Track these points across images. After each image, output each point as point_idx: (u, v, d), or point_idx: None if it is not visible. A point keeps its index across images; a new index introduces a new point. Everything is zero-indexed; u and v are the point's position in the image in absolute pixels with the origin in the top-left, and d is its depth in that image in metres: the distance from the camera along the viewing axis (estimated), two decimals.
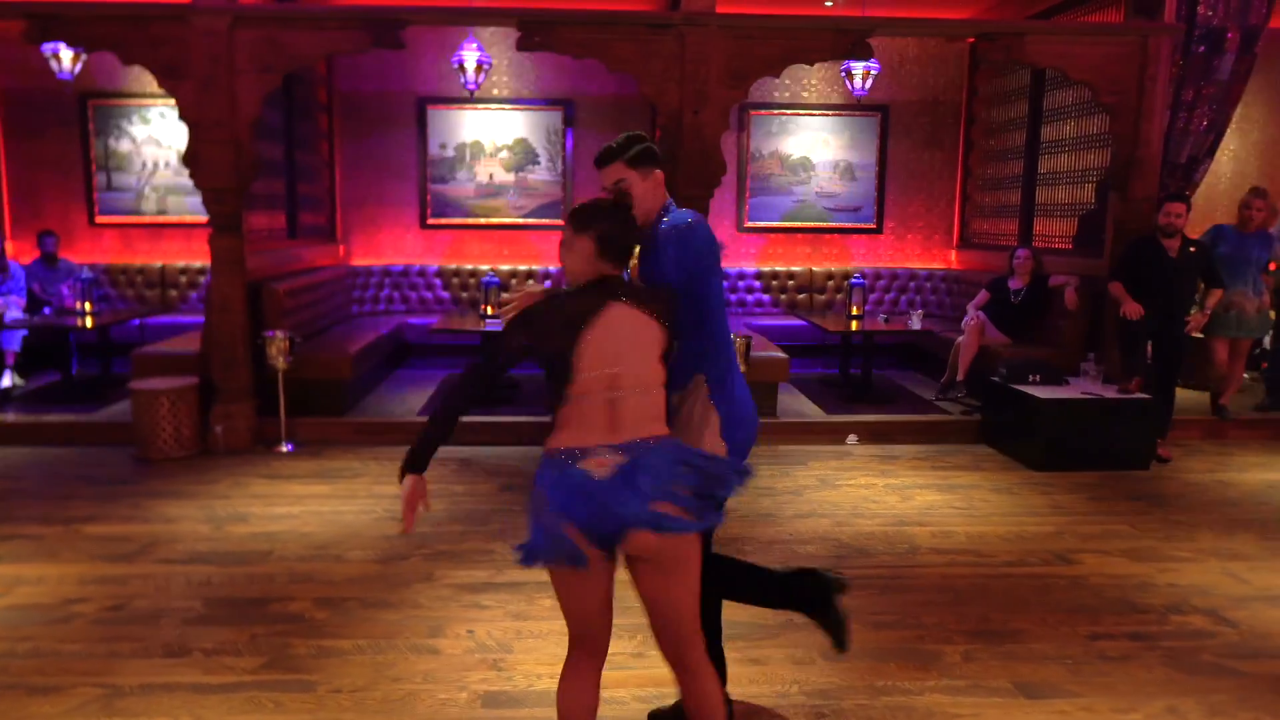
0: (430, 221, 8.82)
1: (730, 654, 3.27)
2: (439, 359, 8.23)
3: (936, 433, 6.28)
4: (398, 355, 8.16)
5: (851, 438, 6.18)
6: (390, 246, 8.85)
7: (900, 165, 8.96)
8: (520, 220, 8.85)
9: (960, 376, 6.78)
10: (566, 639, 3.36)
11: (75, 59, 7.63)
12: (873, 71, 7.80)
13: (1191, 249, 5.80)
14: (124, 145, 8.56)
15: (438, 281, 8.79)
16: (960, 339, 6.85)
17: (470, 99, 8.36)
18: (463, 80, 7.54)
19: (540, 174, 8.81)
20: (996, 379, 6.11)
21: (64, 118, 8.46)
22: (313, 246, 7.94)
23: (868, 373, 7.19)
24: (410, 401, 6.83)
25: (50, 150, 8.50)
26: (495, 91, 8.64)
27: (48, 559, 4.04)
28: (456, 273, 8.79)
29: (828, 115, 8.86)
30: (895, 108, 8.85)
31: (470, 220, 8.83)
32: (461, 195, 8.80)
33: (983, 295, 7.07)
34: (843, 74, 7.96)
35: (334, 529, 4.44)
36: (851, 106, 8.69)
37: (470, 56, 7.45)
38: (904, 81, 8.81)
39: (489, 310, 6.97)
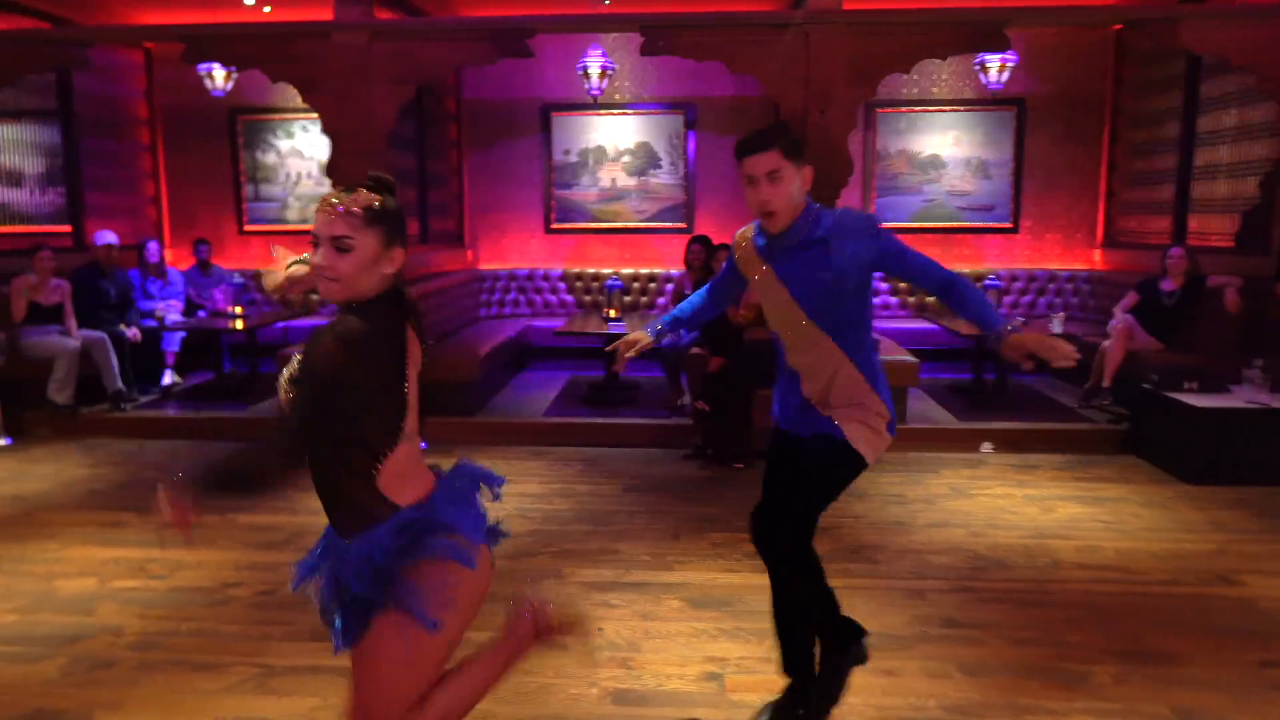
0: (554, 226, 8.98)
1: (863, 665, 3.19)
2: (562, 361, 8.36)
3: (1079, 442, 5.95)
4: (522, 357, 8.34)
5: (986, 446, 5.93)
6: (515, 251, 9.06)
7: (1038, 161, 8.55)
8: (642, 224, 8.91)
9: (1106, 383, 6.40)
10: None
11: (227, 77, 8.15)
12: (1009, 64, 7.48)
13: None
14: (270, 158, 9.07)
15: (561, 285, 8.94)
16: (1106, 343, 6.46)
17: (593, 105, 8.48)
18: (586, 86, 7.66)
19: (662, 178, 8.84)
20: (1148, 386, 5.74)
21: (216, 133, 9.03)
22: (442, 251, 8.21)
23: (1003, 378, 6.88)
24: (535, 403, 6.96)
25: (203, 164, 9.09)
26: (617, 96, 8.73)
27: (206, 545, 4.31)
28: (579, 276, 8.92)
29: (959, 111, 8.54)
30: (1032, 101, 8.45)
31: (593, 225, 8.95)
32: (584, 200, 8.93)
33: (1131, 297, 6.66)
34: (976, 67, 7.67)
35: None
36: (985, 101, 8.35)
37: (594, 63, 7.56)
38: (1042, 73, 8.40)
39: (612, 313, 7.04)
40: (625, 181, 8.88)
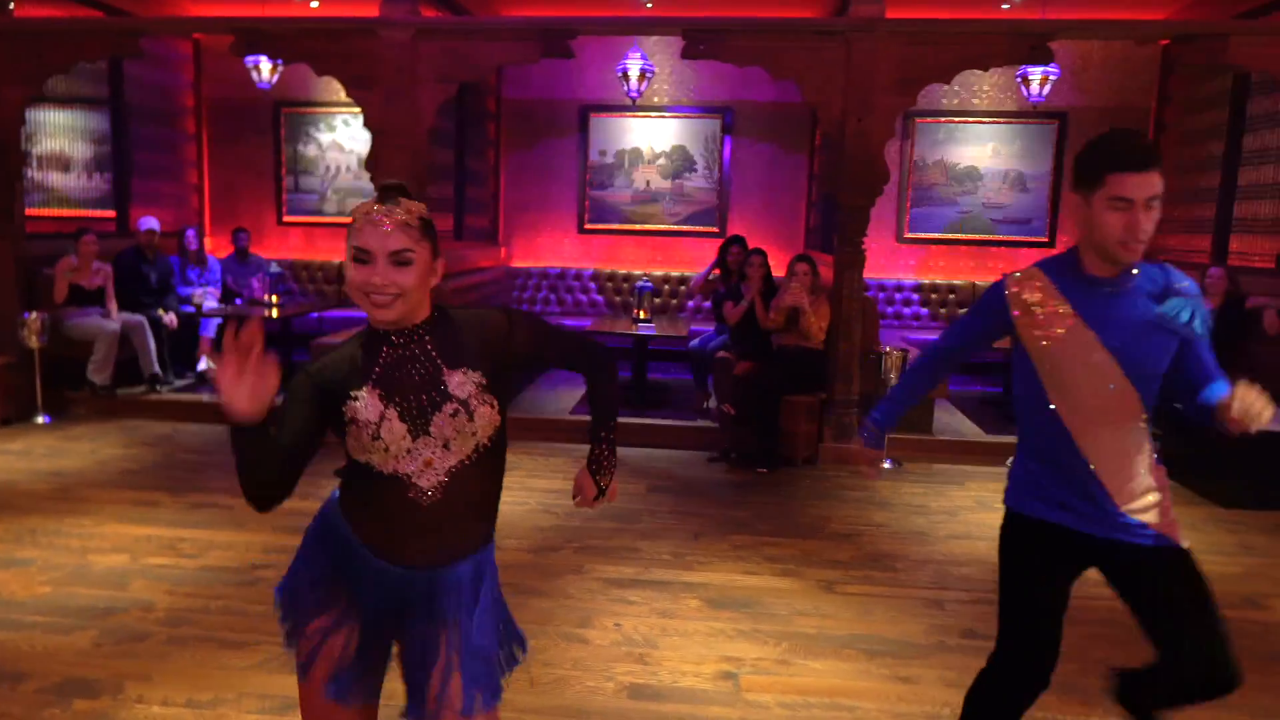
0: (587, 226, 9.04)
1: (878, 670, 3.20)
2: None
3: None
4: None
5: (1012, 460, 5.88)
6: (548, 250, 9.13)
7: None
8: (675, 227, 8.94)
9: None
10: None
11: (273, 70, 8.29)
12: (1051, 77, 7.42)
13: None
14: (310, 150, 9.21)
15: (593, 285, 8.99)
16: None
17: (632, 106, 8.52)
18: (625, 88, 7.70)
19: (697, 181, 8.86)
20: (1179, 406, 5.65)
21: (259, 125, 9.20)
22: (476, 248, 8.29)
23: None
24: (563, 400, 7.01)
25: (246, 154, 9.25)
26: (655, 99, 8.77)
27: (236, 527, 4.39)
28: (611, 277, 8.97)
29: (999, 123, 8.49)
30: (1074, 115, 8.38)
31: (626, 226, 8.99)
32: (618, 201, 8.97)
33: None
34: (1018, 79, 7.61)
35: None
36: (1026, 114, 8.29)
37: (634, 65, 7.60)
38: (1085, 87, 8.32)
39: (642, 314, 7.07)
40: (660, 184, 8.91)
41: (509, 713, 2.84)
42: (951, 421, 6.53)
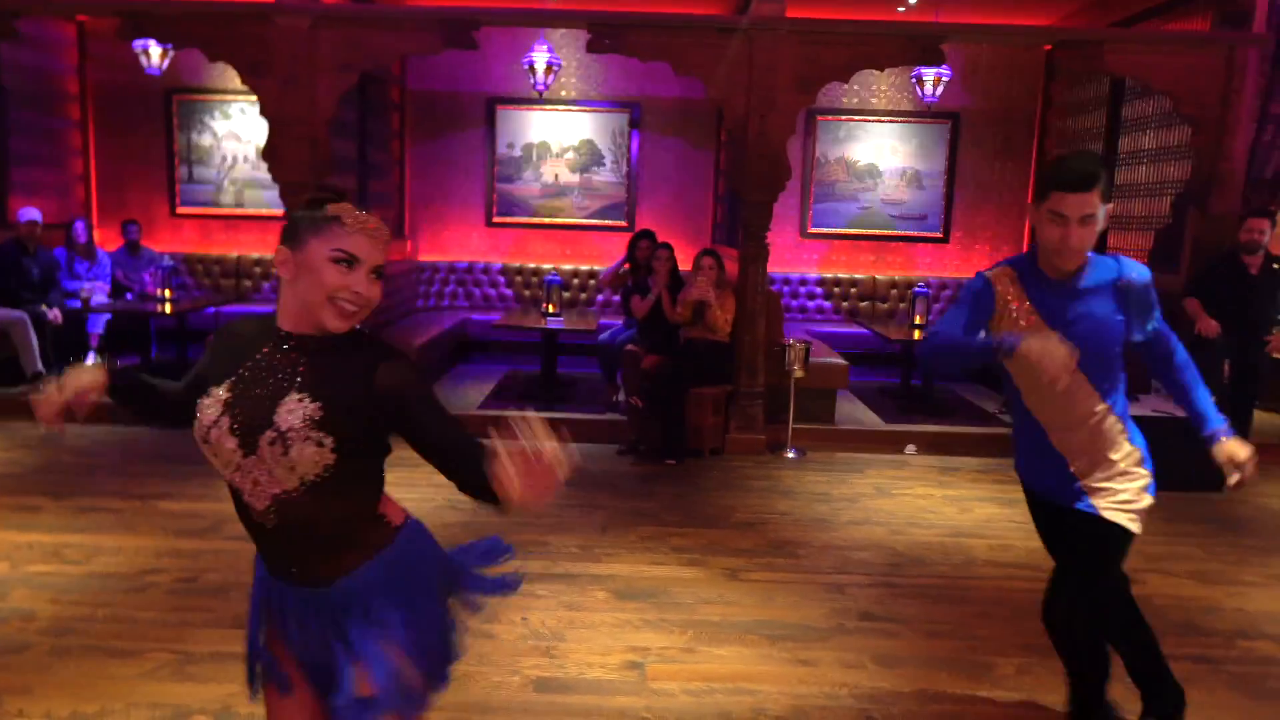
0: (495, 220, 8.96)
1: (779, 655, 3.29)
2: (500, 355, 8.35)
3: (998, 446, 6.15)
4: (460, 350, 8.31)
5: (910, 448, 6.11)
6: (456, 244, 9.02)
7: (969, 174, 8.83)
8: (584, 220, 8.94)
9: None
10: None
11: (164, 55, 7.94)
12: (944, 78, 7.71)
13: (1275, 266, 5.61)
14: (205, 139, 8.87)
15: (501, 279, 8.93)
16: None
17: (539, 100, 8.48)
18: (532, 81, 7.66)
19: (605, 175, 8.89)
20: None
21: (150, 112, 8.79)
22: None
23: (929, 383, 7.09)
24: (471, 395, 6.95)
25: (136, 143, 8.84)
26: (563, 93, 8.75)
27: (125, 531, 4.22)
28: (520, 271, 8.92)
29: (896, 122, 8.77)
30: (966, 115, 8.72)
31: (535, 220, 8.96)
32: (527, 195, 8.93)
33: None
34: (913, 80, 7.88)
35: None
36: (921, 114, 8.59)
37: (540, 58, 7.56)
38: (976, 89, 8.68)
39: (551, 309, 7.06)
40: (568, 178, 8.90)
41: None
42: (853, 411, 6.73)
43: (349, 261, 1.53)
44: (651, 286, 6.40)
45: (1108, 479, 2.43)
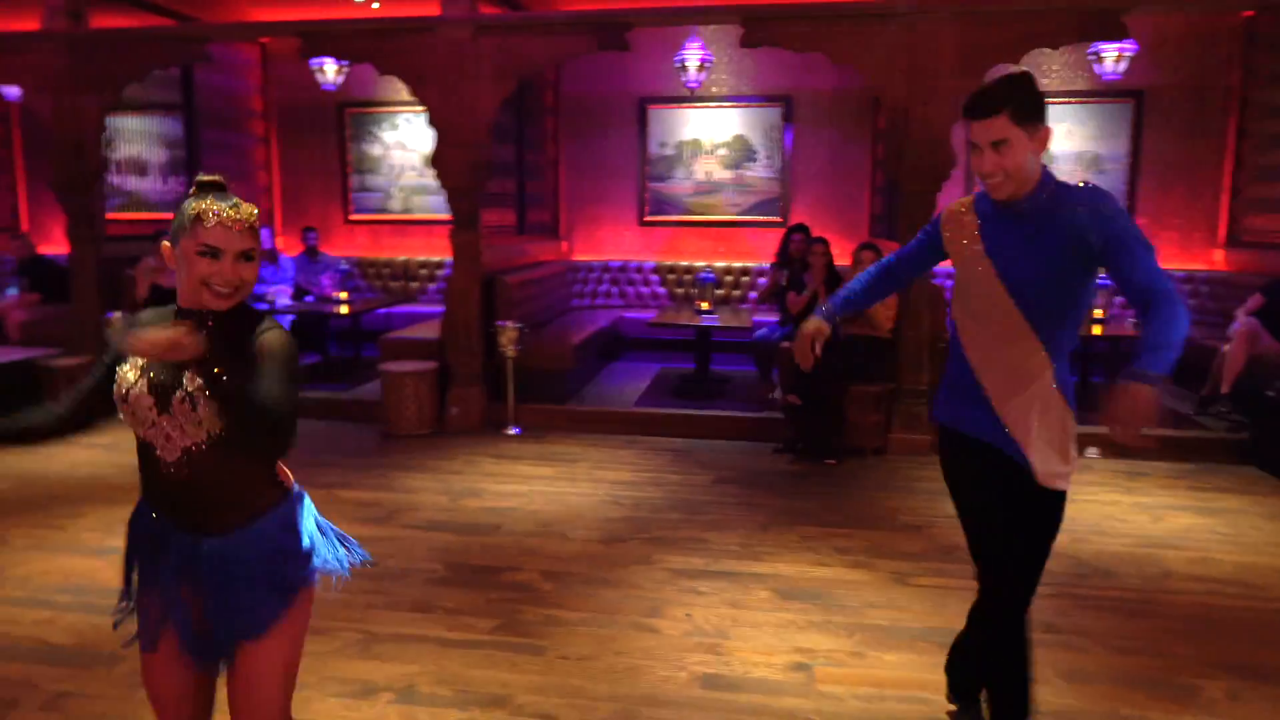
0: (648, 219, 9.02)
1: None
2: (653, 353, 8.40)
3: (1194, 450, 5.67)
4: (613, 348, 8.41)
5: (1092, 450, 5.71)
6: (609, 243, 9.14)
7: (1155, 156, 8.16)
8: (736, 217, 8.87)
9: (1224, 389, 6.07)
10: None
11: (338, 71, 8.45)
12: (1126, 53, 7.16)
13: None
14: (375, 150, 9.37)
15: (654, 277, 8.98)
16: (1226, 347, 6.14)
17: (690, 98, 8.48)
18: (684, 79, 7.66)
19: (758, 171, 8.78)
20: (1272, 394, 5.43)
21: (324, 126, 9.38)
22: (538, 242, 8.35)
23: (1113, 381, 6.59)
24: (626, 393, 7.02)
25: (313, 156, 9.45)
26: (714, 89, 8.70)
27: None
28: (672, 269, 8.95)
29: (1071, 103, 8.23)
30: (1152, 92, 8.07)
31: (687, 217, 8.96)
32: (679, 193, 8.94)
33: (1256, 299, 6.29)
34: (1090, 57, 7.36)
35: (557, 508, 4.65)
36: (1100, 92, 8.01)
37: (692, 55, 7.55)
38: (1163, 63, 8.00)
39: (704, 306, 7.04)
40: (721, 174, 8.85)
41: (583, 700, 2.86)
42: None
43: (213, 254, 1.76)
44: (807, 283, 6.26)
45: (1031, 433, 2.26)
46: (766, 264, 8.60)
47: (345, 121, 9.36)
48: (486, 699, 2.88)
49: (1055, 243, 2.13)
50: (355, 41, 6.47)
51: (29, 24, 7.11)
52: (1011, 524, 2.33)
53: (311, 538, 1.93)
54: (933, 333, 5.87)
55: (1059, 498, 2.31)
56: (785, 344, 6.16)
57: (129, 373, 1.82)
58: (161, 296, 6.98)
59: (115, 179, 8.35)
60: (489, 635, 3.29)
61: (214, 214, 1.77)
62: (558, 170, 9.10)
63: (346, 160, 9.42)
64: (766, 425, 6.07)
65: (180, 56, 7.14)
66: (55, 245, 8.58)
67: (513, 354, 6.13)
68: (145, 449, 1.84)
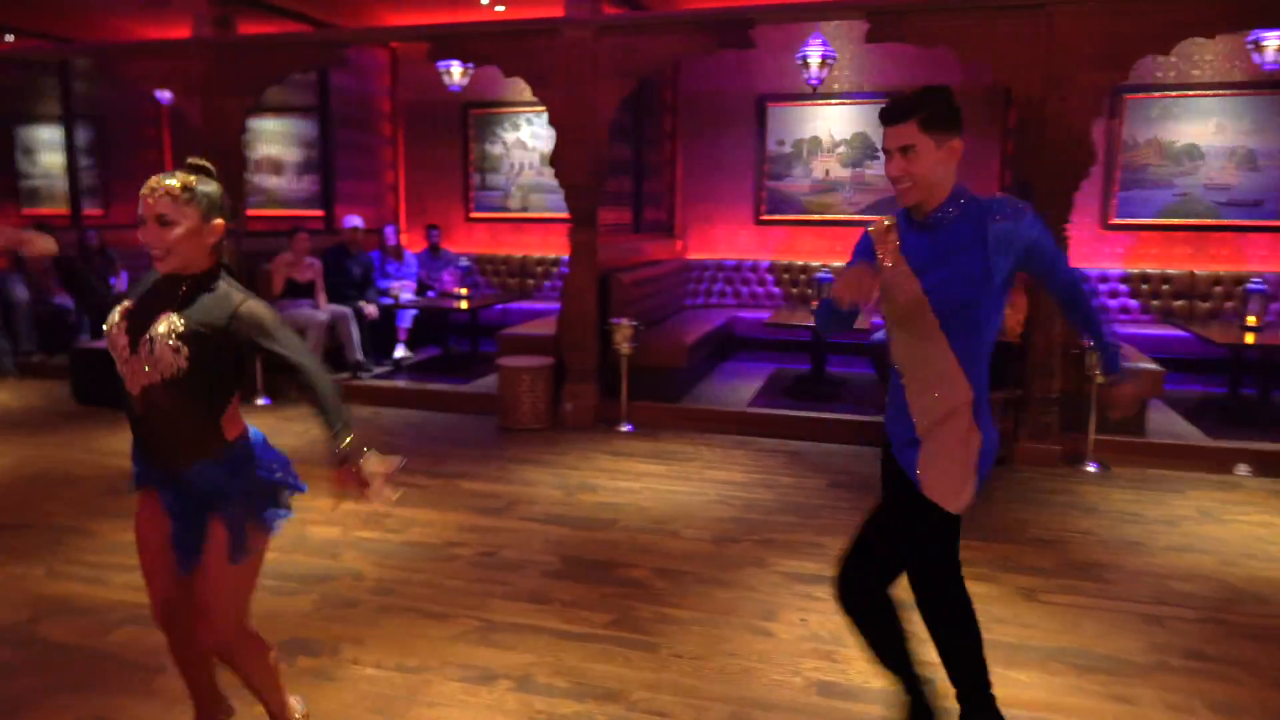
0: (764, 218, 8.92)
1: (1090, 687, 2.98)
2: (767, 353, 8.30)
3: None
4: (727, 347, 8.35)
5: (1242, 468, 5.31)
6: (724, 241, 9.08)
7: None
8: (855, 216, 8.67)
9: None
10: None
11: (464, 73, 8.68)
12: None
13: None
14: (496, 149, 9.58)
15: (769, 277, 8.87)
16: None
17: (810, 95, 8.33)
18: (806, 76, 7.53)
19: (877, 169, 8.56)
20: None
21: (449, 126, 9.65)
22: (653, 240, 8.36)
23: (1266, 394, 6.13)
24: (739, 393, 6.96)
25: (437, 155, 9.74)
26: (835, 86, 8.53)
27: (433, 506, 4.62)
28: (788, 268, 8.82)
29: (1224, 95, 7.68)
30: None
31: (803, 216, 8.81)
32: (796, 191, 8.81)
33: None
34: (1249, 46, 6.86)
35: (670, 506, 4.64)
36: (1257, 84, 7.46)
37: (814, 52, 7.42)
38: None
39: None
40: (839, 173, 8.68)
41: (697, 700, 2.84)
42: (1167, 423, 5.98)
43: (142, 222, 2.08)
44: None
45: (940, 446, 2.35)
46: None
47: (469, 121, 9.61)
48: (602, 693, 2.89)
49: (966, 254, 2.19)
50: (481, 44, 6.63)
51: (180, 31, 7.59)
52: (891, 523, 2.54)
53: (255, 482, 2.21)
54: (1065, 339, 5.58)
55: (934, 511, 2.37)
56: None
57: (115, 313, 2.15)
58: (295, 290, 7.33)
59: (253, 178, 8.81)
60: (604, 630, 3.30)
61: (146, 187, 2.07)
62: (674, 168, 9.09)
63: (469, 160, 9.67)
64: (883, 429, 5.89)
65: (318, 60, 7.46)
66: None
67: (627, 351, 6.16)
68: (123, 388, 2.14)
